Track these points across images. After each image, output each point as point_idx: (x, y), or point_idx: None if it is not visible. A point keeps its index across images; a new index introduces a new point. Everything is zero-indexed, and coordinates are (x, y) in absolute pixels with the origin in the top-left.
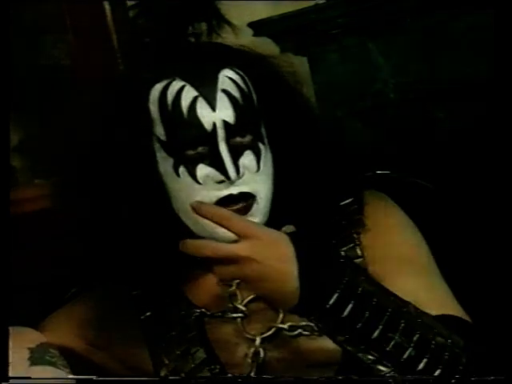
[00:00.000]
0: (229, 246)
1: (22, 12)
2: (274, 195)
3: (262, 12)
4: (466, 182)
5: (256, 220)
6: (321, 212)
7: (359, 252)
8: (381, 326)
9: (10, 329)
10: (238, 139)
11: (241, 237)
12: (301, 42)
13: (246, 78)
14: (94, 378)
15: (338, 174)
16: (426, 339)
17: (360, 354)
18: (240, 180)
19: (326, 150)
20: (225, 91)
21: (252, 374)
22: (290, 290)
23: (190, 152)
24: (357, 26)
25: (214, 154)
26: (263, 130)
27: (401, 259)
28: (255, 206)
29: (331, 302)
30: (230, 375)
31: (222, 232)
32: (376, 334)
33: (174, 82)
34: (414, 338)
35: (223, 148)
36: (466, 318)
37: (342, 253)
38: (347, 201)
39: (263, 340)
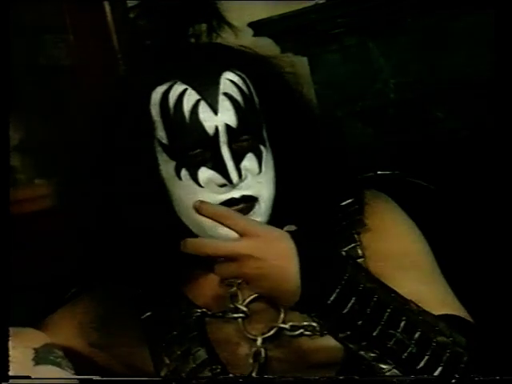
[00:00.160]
0: (229, 244)
1: (22, 12)
2: (275, 196)
3: (262, 12)
4: (466, 182)
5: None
6: (322, 212)
7: (360, 252)
8: (382, 323)
9: (14, 329)
10: (240, 142)
11: (242, 235)
12: (301, 42)
13: (247, 79)
14: (94, 378)
15: (338, 175)
16: (427, 337)
17: (361, 352)
18: (242, 183)
19: (326, 151)
20: (227, 94)
21: (253, 374)
22: (291, 287)
23: (192, 155)
24: (357, 26)
25: (216, 158)
26: (264, 132)
27: (401, 259)
28: (257, 207)
29: (332, 298)
30: (231, 375)
31: (225, 233)
32: (377, 330)
33: (176, 85)
34: (416, 336)
35: (225, 151)
36: (467, 317)
37: (343, 253)
38: (348, 201)
39: (264, 340)
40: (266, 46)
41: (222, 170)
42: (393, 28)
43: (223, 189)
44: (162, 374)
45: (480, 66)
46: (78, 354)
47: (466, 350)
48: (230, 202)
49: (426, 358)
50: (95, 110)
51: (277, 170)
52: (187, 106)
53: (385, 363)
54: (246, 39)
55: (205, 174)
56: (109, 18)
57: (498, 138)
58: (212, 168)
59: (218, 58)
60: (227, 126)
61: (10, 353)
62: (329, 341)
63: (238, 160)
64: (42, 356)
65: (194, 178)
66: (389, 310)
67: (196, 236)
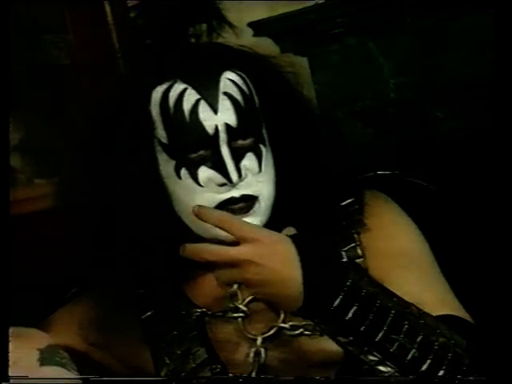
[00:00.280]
0: (230, 250)
1: (22, 12)
2: (275, 196)
3: (262, 12)
4: (466, 182)
5: (257, 220)
6: (321, 212)
7: (360, 252)
8: (385, 328)
9: (17, 329)
10: (240, 142)
11: (242, 240)
12: (301, 42)
13: (247, 79)
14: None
15: (338, 175)
16: (429, 340)
17: (363, 356)
18: (242, 182)
19: (326, 151)
20: (227, 94)
21: (253, 374)
22: (294, 293)
23: (192, 155)
24: (357, 26)
25: (215, 157)
26: (264, 132)
27: (401, 259)
28: (257, 205)
29: (335, 304)
30: (231, 375)
31: (225, 233)
32: (380, 335)
33: (176, 85)
34: (418, 339)
35: (225, 151)
36: (467, 317)
37: (343, 253)
38: (348, 201)
39: (264, 340)
40: (265, 45)
41: (221, 169)
42: (393, 28)
43: (223, 188)
44: (162, 373)
45: (480, 66)
46: (78, 354)
47: (467, 353)
48: (229, 201)
49: (429, 361)
50: (95, 110)
51: (277, 169)
52: (187, 105)
53: (386, 366)
54: (246, 39)
55: (204, 173)
56: (109, 17)
57: (498, 138)
58: (212, 167)
59: (218, 57)
60: (227, 126)
61: (15, 353)
62: (329, 341)
63: (237, 159)
64: (47, 357)
65: (194, 177)
66: (391, 315)
67: (196, 235)
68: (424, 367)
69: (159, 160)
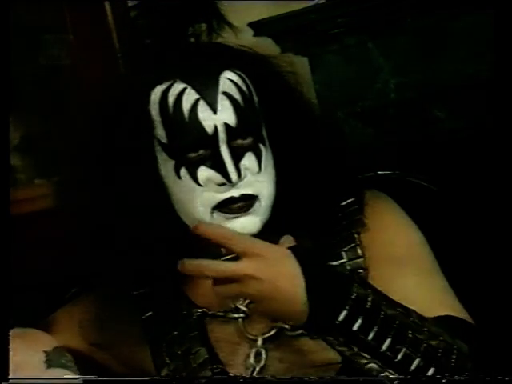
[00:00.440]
0: (231, 266)
1: (22, 12)
2: (275, 195)
3: (262, 12)
4: (466, 182)
5: (257, 219)
6: (322, 212)
7: (360, 252)
8: (389, 339)
9: (21, 330)
10: (240, 141)
11: (242, 255)
12: (301, 42)
13: (246, 79)
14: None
15: (338, 174)
16: (432, 348)
17: (367, 366)
18: (241, 182)
19: (326, 151)
20: (226, 93)
21: (253, 375)
22: (298, 308)
23: (192, 154)
24: (357, 26)
25: (215, 157)
26: (264, 131)
27: (402, 259)
28: (256, 204)
29: (341, 318)
30: (231, 375)
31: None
32: (385, 346)
33: (175, 85)
34: (421, 348)
35: (224, 151)
36: (468, 318)
37: (343, 253)
38: (348, 201)
39: (265, 340)
40: (265, 45)
41: (221, 169)
42: (393, 28)
43: (222, 188)
44: (163, 373)
45: (480, 65)
46: (78, 354)
47: (469, 356)
48: (229, 201)
49: (432, 369)
50: (95, 110)
51: (277, 169)
52: (186, 105)
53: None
54: (246, 39)
55: (204, 173)
56: (109, 17)
57: (498, 138)
58: (211, 167)
59: (218, 57)
60: (226, 125)
61: (21, 356)
62: None
63: (237, 159)
64: (53, 359)
65: (194, 177)
66: (395, 326)
67: (196, 235)
68: (428, 374)
69: (159, 160)
